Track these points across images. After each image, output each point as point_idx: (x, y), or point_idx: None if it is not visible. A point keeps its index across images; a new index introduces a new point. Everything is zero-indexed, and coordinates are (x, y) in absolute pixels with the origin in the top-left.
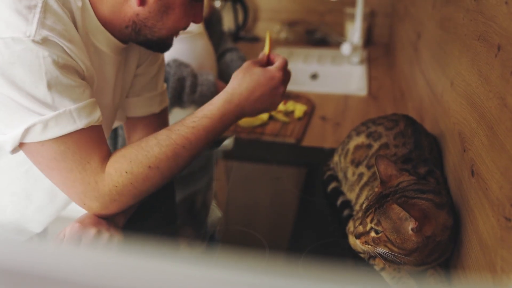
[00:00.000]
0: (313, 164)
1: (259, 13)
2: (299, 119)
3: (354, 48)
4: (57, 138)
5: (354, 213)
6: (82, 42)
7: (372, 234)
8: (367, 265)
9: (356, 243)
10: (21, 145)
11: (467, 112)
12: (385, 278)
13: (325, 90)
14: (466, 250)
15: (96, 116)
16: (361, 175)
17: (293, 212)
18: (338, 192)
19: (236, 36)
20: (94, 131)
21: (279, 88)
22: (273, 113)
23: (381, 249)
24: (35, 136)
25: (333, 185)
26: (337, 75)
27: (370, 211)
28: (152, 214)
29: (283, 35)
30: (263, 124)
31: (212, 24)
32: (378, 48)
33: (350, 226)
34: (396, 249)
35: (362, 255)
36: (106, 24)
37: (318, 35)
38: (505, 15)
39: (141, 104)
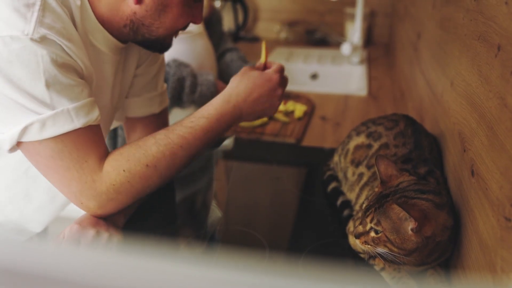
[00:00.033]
0: (313, 164)
1: (259, 13)
2: (299, 119)
3: (354, 48)
4: (54, 137)
5: (354, 213)
6: (81, 41)
7: (372, 234)
8: (367, 265)
9: (356, 243)
10: (18, 144)
11: (467, 112)
12: (385, 278)
13: (325, 90)
14: (466, 250)
15: (94, 116)
16: (361, 175)
17: (293, 212)
18: (338, 192)
19: (236, 36)
20: (92, 131)
21: (277, 90)
22: None
23: (380, 249)
24: (32, 135)
25: (333, 185)
26: (337, 75)
27: (370, 211)
28: (152, 214)
29: (283, 35)
30: (263, 124)
31: (212, 24)
32: (378, 48)
33: (350, 226)
34: (395, 249)
35: (362, 255)
36: (105, 23)
37: (318, 35)
38: (505, 15)
39: (141, 105)
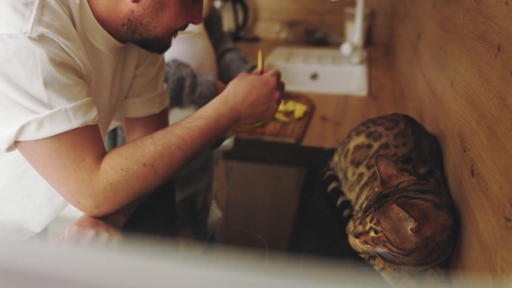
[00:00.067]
0: (313, 164)
1: (259, 13)
2: (299, 119)
3: (354, 48)
4: (52, 136)
5: (354, 213)
6: (80, 40)
7: (372, 233)
8: (367, 265)
9: (356, 243)
10: (16, 143)
11: (467, 112)
12: (385, 278)
13: (325, 90)
14: (466, 250)
15: (92, 116)
16: (361, 175)
17: (293, 212)
18: (338, 192)
19: (236, 36)
20: (89, 131)
21: (274, 93)
22: None
23: (380, 249)
24: (29, 135)
25: (333, 185)
26: (337, 75)
27: (369, 210)
28: (152, 214)
29: (283, 35)
30: (263, 125)
31: (212, 24)
32: (378, 48)
33: (350, 226)
34: (395, 249)
35: (362, 255)
36: (103, 22)
37: (318, 35)
38: (505, 15)
39: (141, 105)
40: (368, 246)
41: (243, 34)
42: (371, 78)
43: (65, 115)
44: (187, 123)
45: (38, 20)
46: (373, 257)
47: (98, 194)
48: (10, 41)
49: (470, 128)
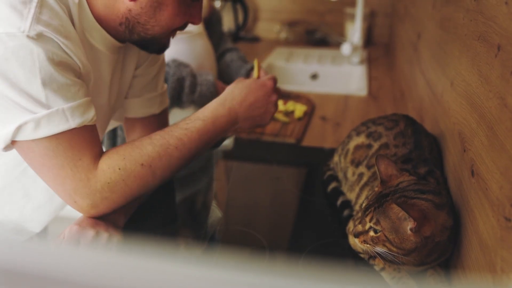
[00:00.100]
0: (313, 164)
1: (259, 13)
2: (299, 119)
3: (354, 48)
4: (49, 136)
5: (354, 213)
6: (79, 39)
7: (371, 233)
8: (367, 265)
9: (356, 243)
10: (13, 143)
11: (467, 112)
12: (385, 278)
13: (325, 90)
14: (466, 250)
15: (89, 116)
16: (361, 175)
17: (293, 212)
18: (338, 192)
19: (236, 36)
20: (87, 131)
21: (271, 96)
22: None
23: (379, 248)
24: (27, 135)
25: (333, 185)
26: (337, 75)
27: (369, 210)
28: (152, 214)
29: (283, 35)
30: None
31: (212, 24)
32: (378, 48)
33: (350, 226)
34: (394, 249)
35: (362, 255)
36: (101, 21)
37: (318, 35)
38: (505, 15)
39: (141, 105)
40: (368, 245)
41: (243, 34)
42: (371, 78)
43: (63, 115)
44: (185, 124)
45: (37, 19)
46: (373, 257)
47: (96, 194)
48: (9, 40)
49: (470, 128)
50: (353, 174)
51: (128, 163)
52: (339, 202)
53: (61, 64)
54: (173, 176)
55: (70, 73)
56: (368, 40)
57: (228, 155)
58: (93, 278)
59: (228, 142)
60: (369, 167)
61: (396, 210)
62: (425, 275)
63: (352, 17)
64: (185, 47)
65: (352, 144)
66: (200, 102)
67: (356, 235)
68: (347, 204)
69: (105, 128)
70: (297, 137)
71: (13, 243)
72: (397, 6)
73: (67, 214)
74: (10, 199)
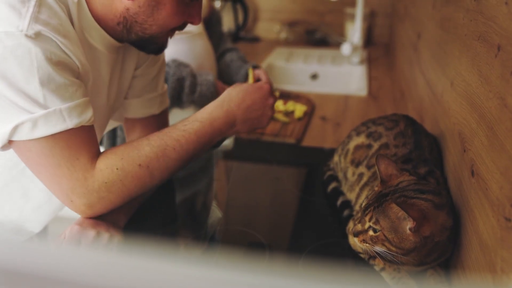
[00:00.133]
0: (313, 164)
1: (259, 13)
2: (299, 119)
3: (354, 48)
4: (46, 136)
5: (354, 213)
6: (78, 38)
7: (370, 232)
8: (367, 265)
9: (356, 243)
10: (10, 143)
11: (467, 112)
12: (385, 278)
13: (325, 90)
14: (466, 250)
15: (87, 116)
16: (361, 175)
17: (293, 212)
18: (338, 192)
19: (236, 36)
20: (84, 131)
21: (268, 99)
22: None
23: (378, 248)
24: (24, 134)
25: (333, 185)
26: (337, 75)
27: (369, 209)
28: (152, 214)
29: (283, 35)
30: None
31: (212, 25)
32: (378, 48)
33: (350, 226)
34: (393, 248)
35: (362, 255)
36: (100, 20)
37: (318, 35)
38: (505, 15)
39: (141, 105)
40: (367, 244)
41: (243, 34)
42: (371, 78)
43: (60, 116)
44: (182, 125)
45: (35, 18)
46: (373, 257)
47: (93, 193)
48: (7, 39)
49: (470, 128)
50: (353, 174)
51: (126, 163)
52: (339, 202)
53: (60, 64)
54: (170, 177)
55: (68, 73)
56: (368, 40)
57: (228, 155)
58: (93, 278)
59: (228, 142)
60: (369, 167)
61: (395, 210)
62: (425, 275)
63: (352, 17)
64: (185, 47)
65: (352, 144)
66: (200, 102)
67: (356, 234)
68: (347, 204)
69: (104, 128)
70: (297, 137)
71: (13, 243)
72: (397, 6)
73: (67, 214)
74: (9, 199)
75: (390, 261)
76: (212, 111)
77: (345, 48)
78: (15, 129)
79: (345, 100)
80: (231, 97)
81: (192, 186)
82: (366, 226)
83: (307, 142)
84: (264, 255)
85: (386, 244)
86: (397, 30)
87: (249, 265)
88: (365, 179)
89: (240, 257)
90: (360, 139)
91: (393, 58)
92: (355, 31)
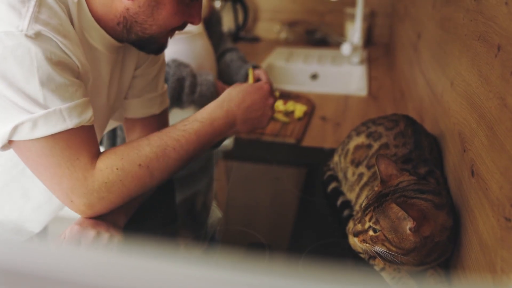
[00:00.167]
0: (313, 164)
1: (259, 13)
2: (299, 119)
3: (354, 48)
4: (46, 136)
5: (354, 213)
6: (78, 38)
7: (370, 232)
8: (367, 265)
9: (356, 243)
10: (10, 143)
11: (467, 112)
12: (385, 278)
13: (325, 90)
14: (466, 250)
15: (87, 116)
16: (361, 175)
17: (293, 212)
18: (338, 192)
19: (236, 36)
20: (84, 131)
21: (268, 99)
22: None
23: (378, 248)
24: (23, 134)
25: (333, 185)
26: (337, 75)
27: (369, 209)
28: (152, 214)
29: (283, 35)
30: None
31: (212, 25)
32: (378, 48)
33: (350, 226)
34: (393, 248)
35: (362, 255)
36: (100, 20)
37: (318, 35)
38: (505, 15)
39: (141, 105)
40: (367, 244)
41: (243, 34)
42: (371, 78)
43: (60, 116)
44: (182, 125)
45: (35, 18)
46: (373, 257)
47: (93, 193)
48: (7, 39)
49: (470, 128)
50: (353, 174)
51: (126, 163)
52: (339, 202)
53: (59, 64)
54: (170, 177)
55: (68, 73)
56: (368, 40)
57: (228, 155)
58: (93, 278)
59: (228, 142)
60: (369, 167)
61: (395, 210)
62: (425, 275)
63: (352, 17)
64: (185, 47)
65: (352, 144)
66: (200, 102)
67: (356, 234)
68: (347, 204)
69: (104, 128)
70: (297, 137)
71: (13, 243)
72: (397, 6)
73: (67, 214)
74: (9, 199)
75: (390, 261)
76: (212, 111)
77: (345, 48)
78: (15, 129)
79: (345, 100)
80: (231, 97)
81: (192, 186)
82: (366, 226)
83: (307, 142)
84: (264, 255)
85: (386, 244)
86: (397, 30)
87: (249, 265)
88: (365, 179)
89: (240, 257)
90: (360, 139)
91: (393, 58)
92: (355, 31)
